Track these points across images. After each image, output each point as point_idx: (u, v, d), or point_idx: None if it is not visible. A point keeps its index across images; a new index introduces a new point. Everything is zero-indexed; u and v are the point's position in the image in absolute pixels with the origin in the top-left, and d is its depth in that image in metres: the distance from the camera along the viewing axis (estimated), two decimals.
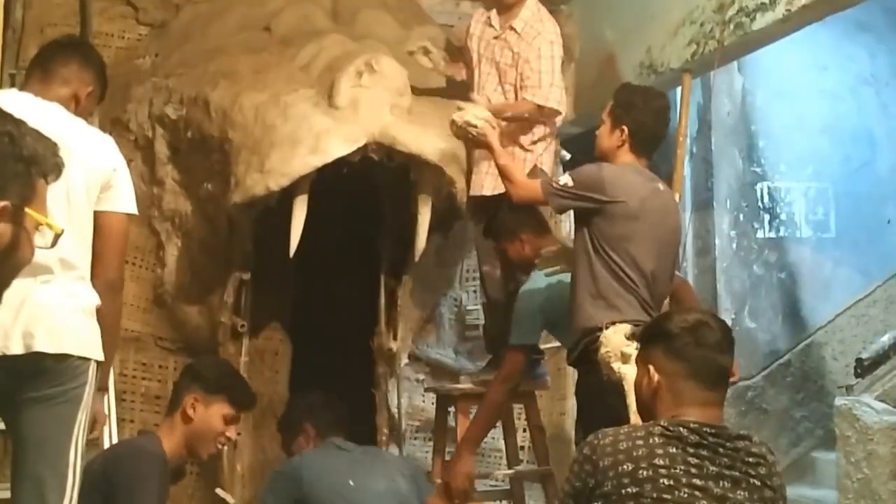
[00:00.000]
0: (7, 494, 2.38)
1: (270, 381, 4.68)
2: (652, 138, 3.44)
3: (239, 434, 4.25)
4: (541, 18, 4.19)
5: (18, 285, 2.30)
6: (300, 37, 4.45)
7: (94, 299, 2.46)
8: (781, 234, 5.65)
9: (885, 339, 4.61)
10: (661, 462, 2.03)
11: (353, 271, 4.91)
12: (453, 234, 4.58)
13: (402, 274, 4.41)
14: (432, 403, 4.61)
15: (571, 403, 4.57)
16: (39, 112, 2.42)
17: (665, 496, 2.00)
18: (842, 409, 4.22)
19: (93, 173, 2.49)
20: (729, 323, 5.28)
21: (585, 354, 3.23)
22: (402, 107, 4.02)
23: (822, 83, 5.76)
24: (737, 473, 2.06)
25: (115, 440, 3.70)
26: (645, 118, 3.39)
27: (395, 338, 4.40)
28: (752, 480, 2.07)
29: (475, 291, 4.82)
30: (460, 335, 4.90)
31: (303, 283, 4.76)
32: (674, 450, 2.05)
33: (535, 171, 4.10)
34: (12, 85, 3.81)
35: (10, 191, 1.51)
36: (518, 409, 4.29)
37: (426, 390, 4.72)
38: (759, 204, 5.61)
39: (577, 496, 2.11)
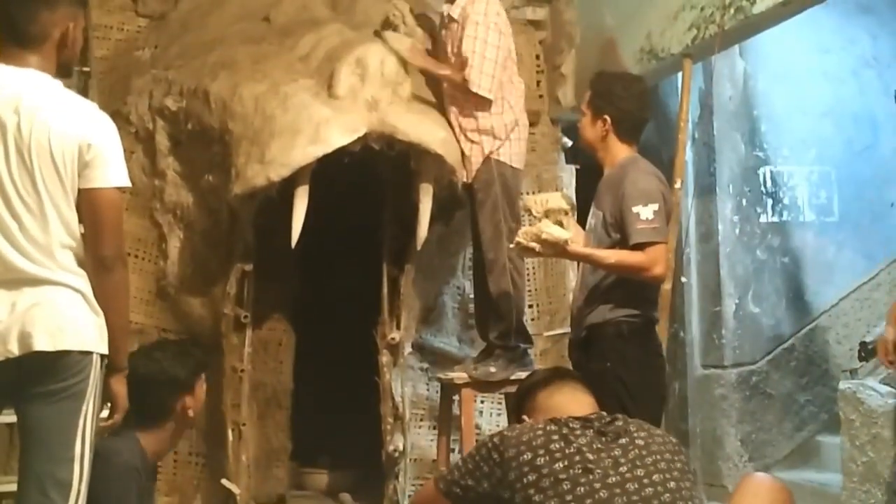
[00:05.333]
0: (11, 488, 2.39)
1: (274, 372, 4.70)
2: (637, 124, 3.43)
3: (244, 425, 4.29)
4: (473, 1, 4.12)
5: (11, 287, 2.31)
6: (299, 26, 4.44)
7: (90, 290, 2.41)
8: (784, 218, 5.63)
9: None
10: (556, 447, 2.23)
11: (356, 261, 4.92)
12: (455, 223, 4.58)
13: (405, 263, 4.40)
14: (436, 392, 4.62)
15: None
16: (12, 86, 2.35)
17: (561, 476, 2.17)
18: (846, 393, 4.21)
19: (68, 153, 2.36)
20: (733, 308, 5.39)
21: (588, 342, 3.29)
22: (402, 96, 4.01)
23: (823, 66, 5.73)
24: (611, 437, 2.29)
25: None
26: (628, 105, 3.37)
27: (397, 327, 4.39)
28: (622, 439, 2.30)
29: None
30: (463, 324, 4.90)
31: (305, 273, 4.77)
32: (558, 444, 2.25)
33: (489, 162, 4.06)
34: None
35: None
36: None
37: (431, 379, 4.72)
38: (762, 188, 5.59)
39: (475, 480, 2.29)
